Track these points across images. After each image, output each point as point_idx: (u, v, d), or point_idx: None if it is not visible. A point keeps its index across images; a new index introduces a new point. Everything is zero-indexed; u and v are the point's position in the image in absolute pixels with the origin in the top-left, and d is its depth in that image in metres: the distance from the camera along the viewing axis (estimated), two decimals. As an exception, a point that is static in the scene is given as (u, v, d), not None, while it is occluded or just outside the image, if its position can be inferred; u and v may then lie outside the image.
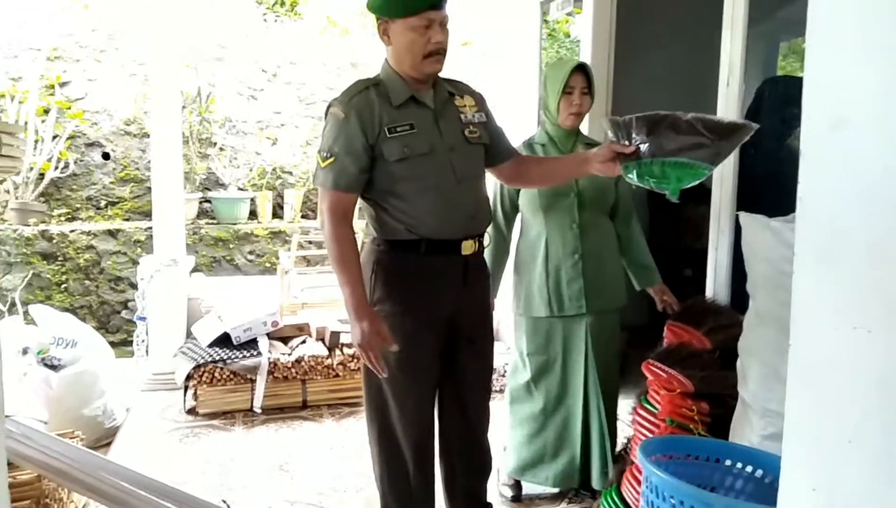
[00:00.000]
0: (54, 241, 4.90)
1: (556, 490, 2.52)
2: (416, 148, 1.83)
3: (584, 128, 3.44)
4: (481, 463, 2.16)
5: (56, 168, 5.08)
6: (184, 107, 4.90)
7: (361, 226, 2.11)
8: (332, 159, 1.80)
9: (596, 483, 2.43)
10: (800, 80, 1.17)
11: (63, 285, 4.91)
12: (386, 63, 1.93)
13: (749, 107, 2.90)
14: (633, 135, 1.74)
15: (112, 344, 3.58)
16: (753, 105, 2.91)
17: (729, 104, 2.58)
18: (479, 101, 2.04)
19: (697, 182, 1.76)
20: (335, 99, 1.88)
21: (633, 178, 1.80)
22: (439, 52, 1.83)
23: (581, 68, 2.35)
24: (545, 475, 2.46)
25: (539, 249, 2.37)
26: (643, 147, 1.73)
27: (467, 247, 1.89)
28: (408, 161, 1.82)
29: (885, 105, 1.03)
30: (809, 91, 1.16)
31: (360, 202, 1.94)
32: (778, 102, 2.89)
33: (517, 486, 2.55)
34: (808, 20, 1.15)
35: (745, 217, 1.72)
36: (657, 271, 2.52)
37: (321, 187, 1.85)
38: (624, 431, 3.10)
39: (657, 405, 1.97)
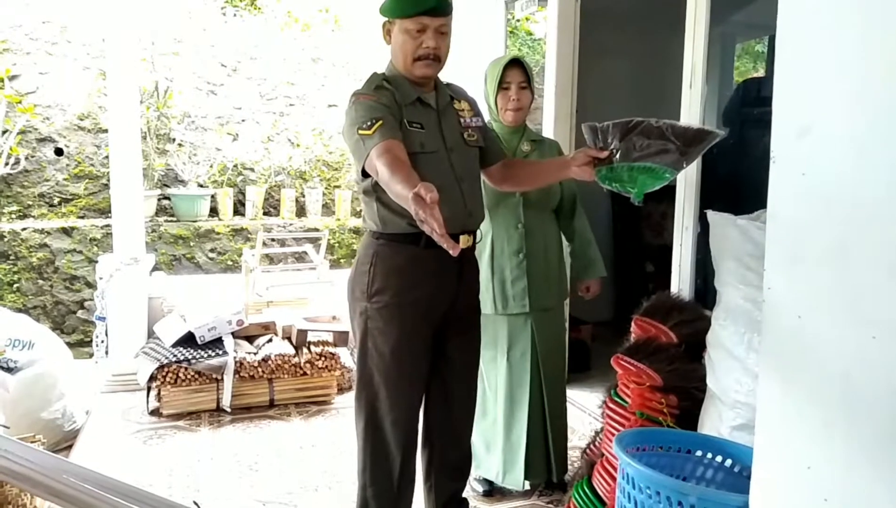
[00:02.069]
0: (6, 239, 4.74)
1: (511, 487, 2.54)
2: (427, 146, 1.88)
3: (549, 129, 3.52)
4: (461, 459, 2.18)
5: (6, 164, 4.90)
6: (141, 102, 4.78)
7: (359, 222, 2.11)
8: (380, 123, 1.75)
9: (530, 477, 2.49)
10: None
11: (15, 285, 4.75)
12: (390, 63, 1.97)
13: (725, 107, 2.99)
14: (609, 140, 1.81)
15: (68, 345, 3.48)
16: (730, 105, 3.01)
17: (692, 105, 2.66)
18: (474, 105, 2.10)
19: (660, 186, 1.84)
20: (358, 90, 1.90)
21: (603, 182, 1.87)
22: (429, 57, 1.86)
23: (517, 63, 2.38)
24: (496, 470, 2.51)
25: (485, 247, 2.41)
26: (616, 152, 1.78)
27: (463, 241, 1.93)
28: (419, 157, 1.84)
29: (848, 115, 1.09)
30: (779, 100, 1.21)
31: (361, 196, 1.96)
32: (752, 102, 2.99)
33: (489, 481, 2.58)
34: (777, 34, 1.20)
35: (712, 215, 1.78)
36: (600, 264, 2.60)
37: (373, 149, 1.72)
38: (591, 424, 3.17)
39: (627, 399, 2.03)
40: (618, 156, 1.79)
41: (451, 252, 1.42)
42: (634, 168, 1.78)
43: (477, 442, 2.53)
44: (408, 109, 1.89)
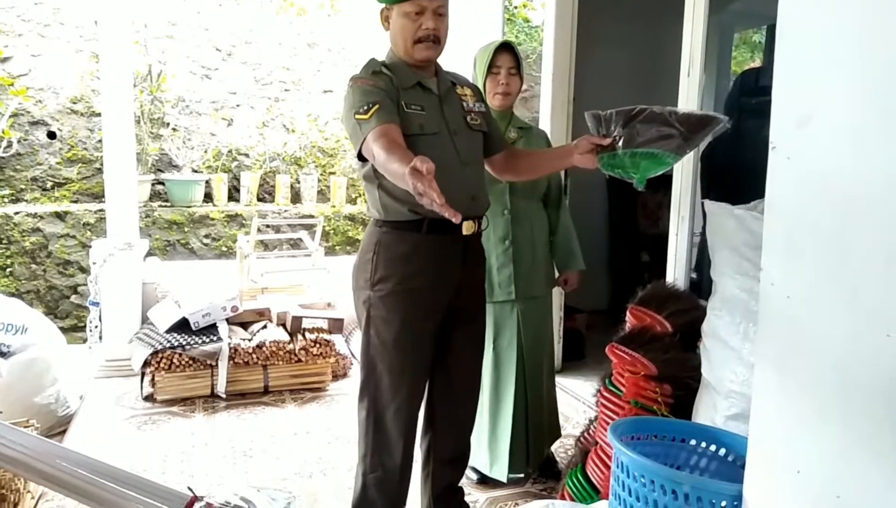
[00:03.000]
0: (-2, 223, 4.71)
1: (497, 478, 2.52)
2: (427, 128, 1.86)
3: (545, 117, 3.51)
4: (461, 450, 2.18)
5: (-2, 147, 4.87)
6: (134, 85, 4.74)
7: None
8: (376, 107, 1.75)
9: (516, 469, 2.47)
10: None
11: (8, 270, 4.72)
12: (390, 50, 1.96)
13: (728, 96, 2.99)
14: (612, 128, 1.80)
15: (62, 330, 3.47)
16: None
17: (689, 94, 2.65)
18: (477, 92, 2.10)
19: (662, 172, 1.83)
20: (356, 75, 1.88)
21: (606, 169, 1.86)
22: (429, 39, 1.85)
23: (507, 48, 2.37)
24: (483, 460, 2.50)
25: None
26: (618, 139, 1.78)
27: (467, 227, 1.91)
28: (419, 139, 1.83)
29: (849, 104, 1.08)
30: (778, 89, 1.21)
31: (363, 183, 1.95)
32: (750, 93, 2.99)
33: (478, 471, 2.58)
34: (777, 23, 1.19)
35: (710, 205, 1.77)
36: (579, 257, 2.59)
37: (369, 133, 1.72)
38: (586, 412, 3.18)
39: (622, 388, 2.03)
40: (620, 143, 1.78)
41: (453, 220, 1.40)
42: (637, 154, 1.77)
43: None
44: (407, 93, 1.87)
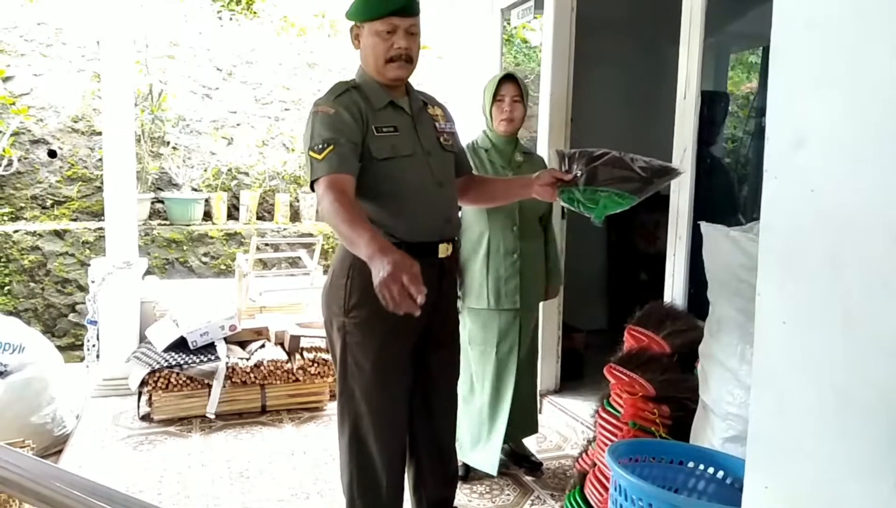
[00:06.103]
0: (-3, 241, 4.71)
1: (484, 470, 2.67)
2: (401, 149, 1.85)
3: (543, 137, 3.53)
4: (448, 470, 2.16)
5: (-1, 165, 4.88)
6: (135, 104, 4.76)
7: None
8: (330, 148, 1.73)
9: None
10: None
11: (6, 288, 4.72)
12: (360, 68, 1.95)
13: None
14: (574, 166, 1.88)
15: (59, 348, 3.46)
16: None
17: (686, 115, 2.67)
18: (447, 112, 2.11)
19: (621, 210, 1.91)
20: (319, 100, 1.86)
21: (566, 202, 1.94)
22: (402, 58, 1.85)
23: (511, 78, 2.54)
24: (476, 457, 2.63)
25: (481, 247, 2.55)
26: (580, 176, 1.86)
27: (443, 250, 1.92)
28: (393, 161, 1.83)
29: (842, 127, 1.09)
30: (773, 112, 1.21)
31: None
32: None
33: (465, 468, 2.69)
34: (771, 46, 1.21)
35: (706, 227, 1.78)
36: (562, 274, 2.88)
37: (321, 176, 1.73)
38: (584, 433, 3.17)
39: (620, 409, 2.02)
40: (582, 179, 1.86)
41: (415, 314, 1.44)
42: (597, 191, 1.86)
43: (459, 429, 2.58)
44: (380, 114, 1.86)
